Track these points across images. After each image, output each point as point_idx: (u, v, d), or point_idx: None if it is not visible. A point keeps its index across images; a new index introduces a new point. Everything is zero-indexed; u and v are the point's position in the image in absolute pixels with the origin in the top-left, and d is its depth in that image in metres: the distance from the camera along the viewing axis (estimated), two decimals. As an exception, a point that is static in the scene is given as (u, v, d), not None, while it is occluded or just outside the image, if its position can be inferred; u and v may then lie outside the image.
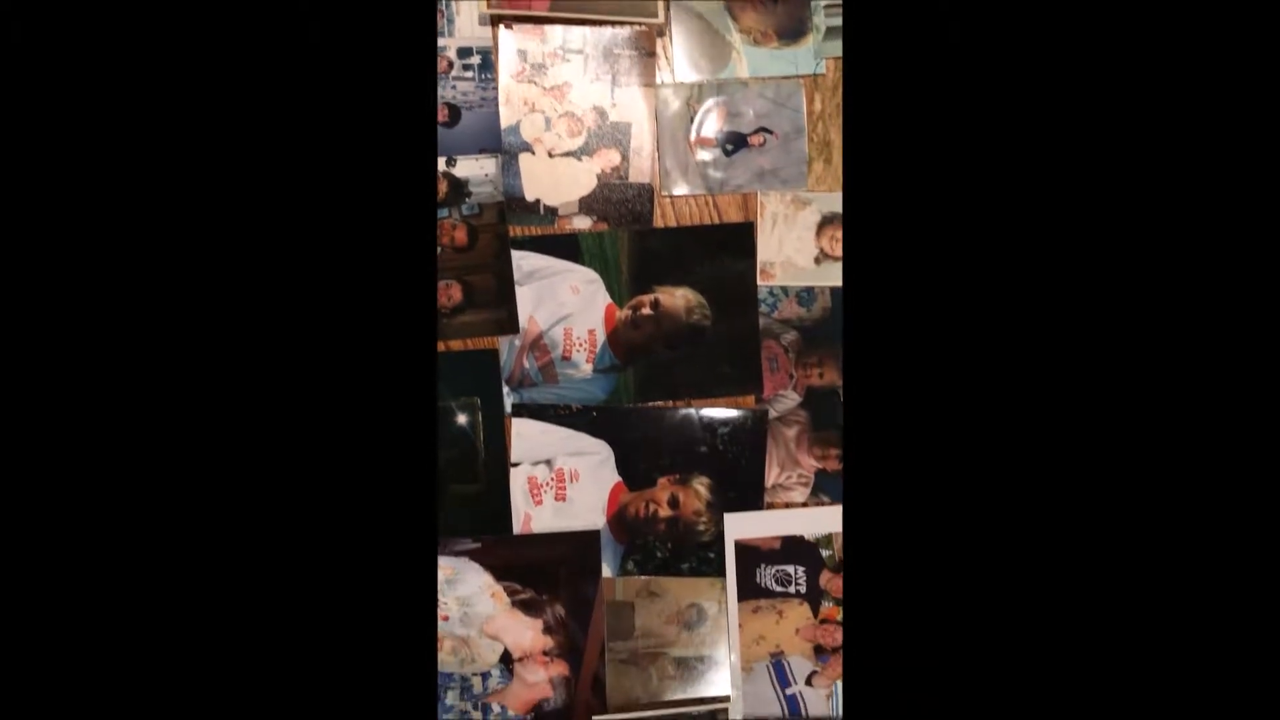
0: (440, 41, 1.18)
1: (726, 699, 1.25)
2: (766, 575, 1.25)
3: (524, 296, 1.22)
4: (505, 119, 1.20)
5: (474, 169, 1.20)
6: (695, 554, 1.25)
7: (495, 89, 1.20)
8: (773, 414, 1.25)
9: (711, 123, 1.23)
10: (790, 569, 1.26)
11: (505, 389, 1.23)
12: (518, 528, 1.23)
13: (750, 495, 1.25)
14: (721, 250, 1.23)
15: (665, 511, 1.24)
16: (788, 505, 1.26)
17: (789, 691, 1.26)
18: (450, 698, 1.22)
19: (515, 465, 1.23)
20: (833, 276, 1.24)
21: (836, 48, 1.22)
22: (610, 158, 1.22)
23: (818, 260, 1.24)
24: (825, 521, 1.25)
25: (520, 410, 1.23)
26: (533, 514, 1.23)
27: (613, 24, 1.21)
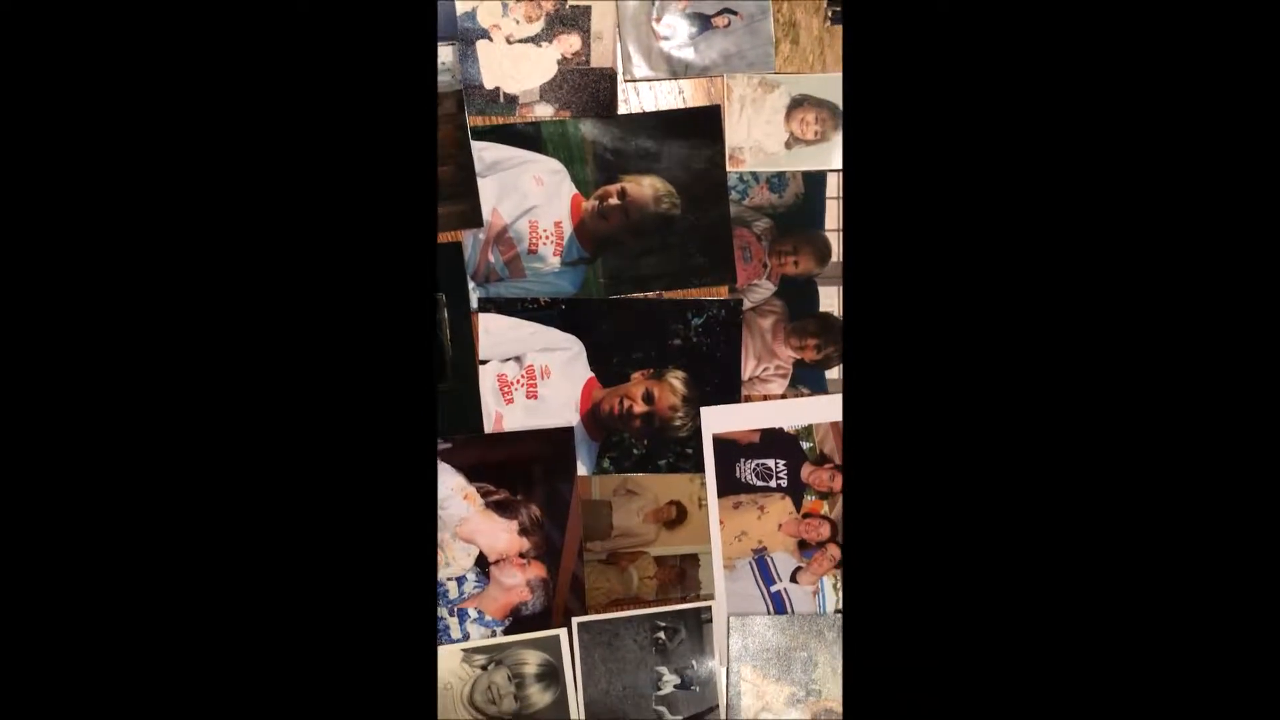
0: (391, -74, 1.15)
1: (710, 597, 1.22)
2: (746, 470, 1.22)
3: (486, 189, 1.19)
4: (461, 4, 1.17)
5: (430, 58, 1.17)
6: (673, 450, 1.22)
7: (450, -25, 1.17)
8: (747, 304, 1.22)
9: (673, 4, 1.19)
10: (770, 463, 1.22)
11: (471, 284, 1.19)
12: (489, 427, 1.20)
13: (727, 388, 1.21)
14: (688, 136, 1.20)
15: (640, 407, 1.21)
16: (765, 398, 1.22)
17: (773, 588, 1.22)
18: (425, 604, 1.19)
19: (484, 363, 1.20)
20: (804, 161, 1.21)
21: (799, -78, 1.18)
22: (570, 43, 1.19)
23: (788, 144, 1.21)
24: (805, 413, 1.22)
25: (487, 305, 1.20)
26: (504, 413, 1.20)
27: (568, -96, 1.17)
